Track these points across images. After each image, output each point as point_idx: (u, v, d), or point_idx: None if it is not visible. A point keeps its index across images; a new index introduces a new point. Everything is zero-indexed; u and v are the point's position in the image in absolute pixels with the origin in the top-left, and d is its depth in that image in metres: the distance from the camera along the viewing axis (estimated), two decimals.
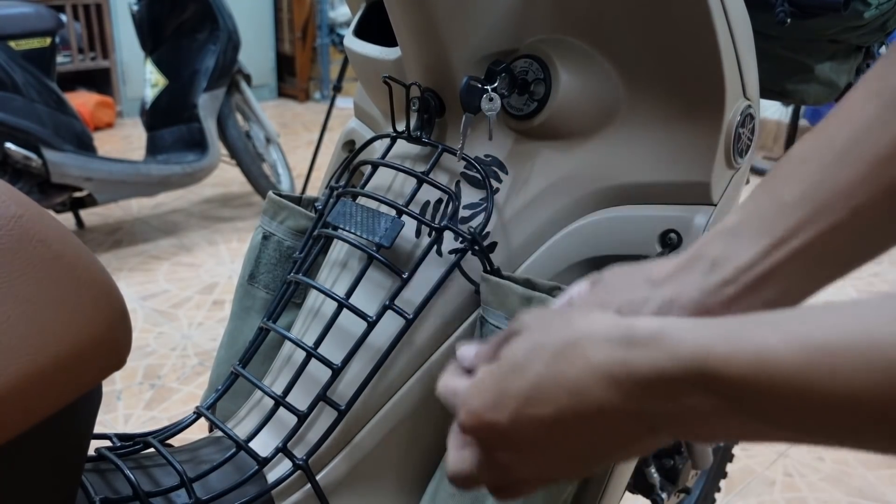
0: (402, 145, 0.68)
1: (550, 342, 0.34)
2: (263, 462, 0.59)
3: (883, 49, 0.87)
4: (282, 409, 0.61)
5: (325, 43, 4.60)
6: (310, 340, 0.62)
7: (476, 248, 0.60)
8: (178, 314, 2.12)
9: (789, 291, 0.38)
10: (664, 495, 0.96)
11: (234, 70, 2.67)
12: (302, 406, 0.60)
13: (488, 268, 0.61)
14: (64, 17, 3.79)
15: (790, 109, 3.53)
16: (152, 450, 0.60)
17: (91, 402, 0.40)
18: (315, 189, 2.88)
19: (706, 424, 0.30)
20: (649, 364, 0.30)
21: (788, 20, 0.73)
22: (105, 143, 3.66)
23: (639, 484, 0.95)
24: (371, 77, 0.71)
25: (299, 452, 0.60)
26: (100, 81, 4.21)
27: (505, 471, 0.37)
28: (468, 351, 0.42)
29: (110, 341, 0.37)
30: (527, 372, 0.34)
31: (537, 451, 0.35)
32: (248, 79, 2.78)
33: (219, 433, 0.64)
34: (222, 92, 2.65)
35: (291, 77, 4.74)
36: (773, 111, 3.67)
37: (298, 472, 0.59)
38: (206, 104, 2.61)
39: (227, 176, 3.22)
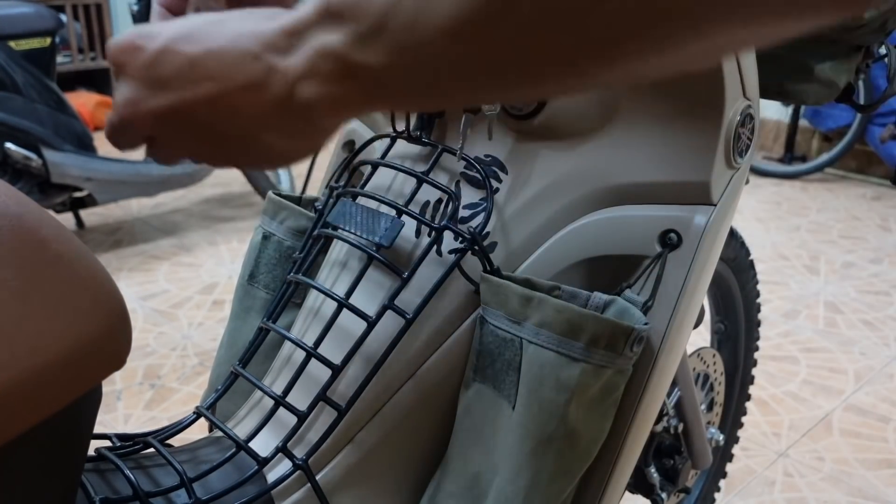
0: (401, 145, 0.68)
1: (238, 20, 0.35)
2: (263, 462, 0.59)
3: (882, 49, 0.86)
4: (282, 409, 0.61)
5: None
6: (310, 340, 0.62)
7: (476, 247, 0.60)
8: (178, 314, 2.12)
9: None
10: (664, 495, 0.96)
11: None
12: (302, 406, 0.60)
13: (488, 268, 0.61)
14: (64, 17, 3.79)
15: (790, 109, 3.54)
16: (152, 450, 0.60)
17: (91, 402, 0.40)
18: (315, 189, 2.87)
19: (342, 76, 0.31)
20: (288, 18, 0.32)
21: None
22: (105, 143, 3.66)
23: (639, 484, 0.95)
24: None
25: (299, 452, 0.60)
26: (100, 81, 4.21)
27: (135, 105, 0.37)
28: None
29: (110, 341, 0.37)
30: (198, 21, 0.36)
31: (170, 92, 0.35)
32: None
33: (219, 433, 0.64)
34: None
35: None
36: (773, 111, 3.67)
37: (298, 471, 0.59)
38: None
39: (227, 176, 3.22)
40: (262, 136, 0.36)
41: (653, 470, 0.95)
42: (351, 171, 0.70)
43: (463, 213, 0.62)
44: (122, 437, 0.61)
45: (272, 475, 0.60)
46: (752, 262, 1.11)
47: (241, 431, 0.63)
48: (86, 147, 2.48)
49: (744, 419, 1.25)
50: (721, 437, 1.09)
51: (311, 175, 0.84)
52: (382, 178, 0.67)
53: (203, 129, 0.36)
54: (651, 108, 0.63)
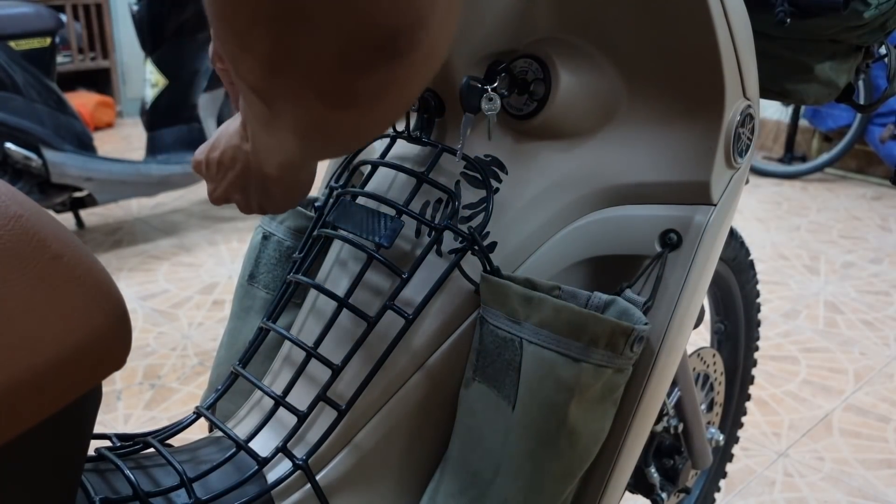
0: (401, 145, 0.68)
1: (232, 122, 0.59)
2: (263, 462, 0.59)
3: (883, 49, 0.86)
4: (282, 409, 0.61)
5: None
6: (310, 340, 0.62)
7: (476, 247, 0.60)
8: (178, 314, 2.12)
9: None
10: (664, 495, 0.96)
11: None
12: (302, 406, 0.60)
13: (488, 268, 0.61)
14: (64, 17, 3.79)
15: (790, 109, 3.54)
16: (152, 450, 0.60)
17: (91, 402, 0.40)
18: (315, 189, 2.87)
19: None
20: (240, 119, 0.54)
21: (788, 20, 0.73)
22: (105, 143, 3.66)
23: (639, 484, 0.95)
24: None
25: (299, 452, 0.60)
26: (100, 81, 4.21)
27: (215, 187, 0.60)
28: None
29: (110, 341, 0.37)
30: (216, 134, 0.60)
31: (220, 176, 0.59)
32: None
33: (219, 433, 0.64)
34: (222, 92, 2.65)
35: None
36: (773, 111, 3.67)
37: (298, 472, 0.59)
38: (206, 104, 2.61)
39: None
40: (269, 186, 0.55)
41: (653, 470, 0.95)
42: (351, 171, 0.70)
43: (463, 212, 0.62)
44: (122, 437, 0.61)
45: (272, 475, 0.60)
46: (752, 262, 1.11)
47: (241, 431, 0.63)
48: (86, 147, 2.48)
49: (744, 419, 1.25)
50: (721, 437, 1.09)
51: None
52: (382, 178, 0.67)
53: (248, 189, 0.58)
54: (651, 108, 0.63)
